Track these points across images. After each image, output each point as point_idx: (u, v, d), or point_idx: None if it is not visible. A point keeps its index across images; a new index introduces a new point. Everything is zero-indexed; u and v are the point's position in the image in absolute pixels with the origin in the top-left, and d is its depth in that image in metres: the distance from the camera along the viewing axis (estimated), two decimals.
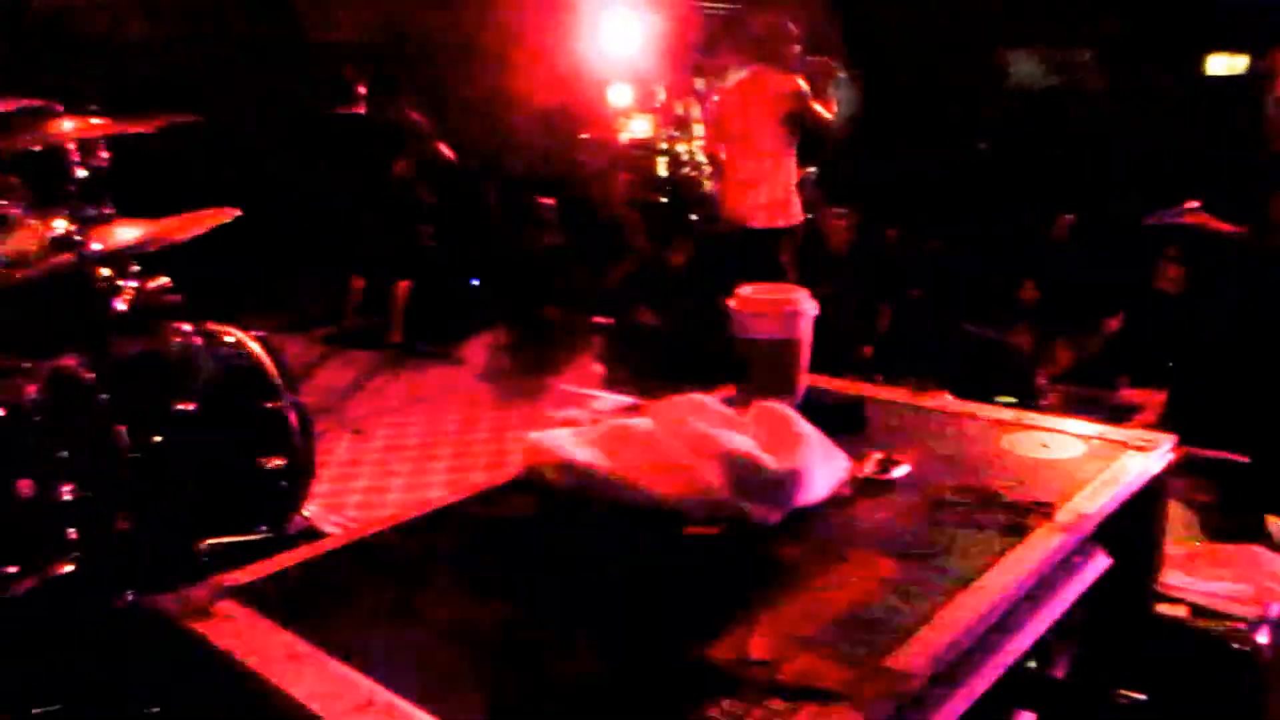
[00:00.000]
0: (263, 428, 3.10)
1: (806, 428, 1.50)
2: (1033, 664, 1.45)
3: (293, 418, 3.15)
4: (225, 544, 2.85)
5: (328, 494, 3.93)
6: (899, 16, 8.35)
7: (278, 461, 3.09)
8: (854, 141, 7.74)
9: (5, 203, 3.02)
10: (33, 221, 2.98)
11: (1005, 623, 1.23)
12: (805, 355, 1.82)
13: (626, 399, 5.12)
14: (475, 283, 7.06)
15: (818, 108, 5.16)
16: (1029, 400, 4.06)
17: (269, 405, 3.10)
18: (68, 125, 2.64)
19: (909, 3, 8.44)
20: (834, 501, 1.43)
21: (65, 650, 2.46)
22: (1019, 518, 1.37)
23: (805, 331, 1.80)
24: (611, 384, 5.68)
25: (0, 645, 2.42)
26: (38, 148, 2.61)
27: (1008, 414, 1.83)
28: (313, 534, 3.12)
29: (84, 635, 2.49)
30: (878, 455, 1.58)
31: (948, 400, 1.95)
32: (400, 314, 6.35)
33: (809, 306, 1.80)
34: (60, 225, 2.87)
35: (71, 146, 2.65)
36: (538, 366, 5.98)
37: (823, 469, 1.44)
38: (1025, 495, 1.43)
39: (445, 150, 6.39)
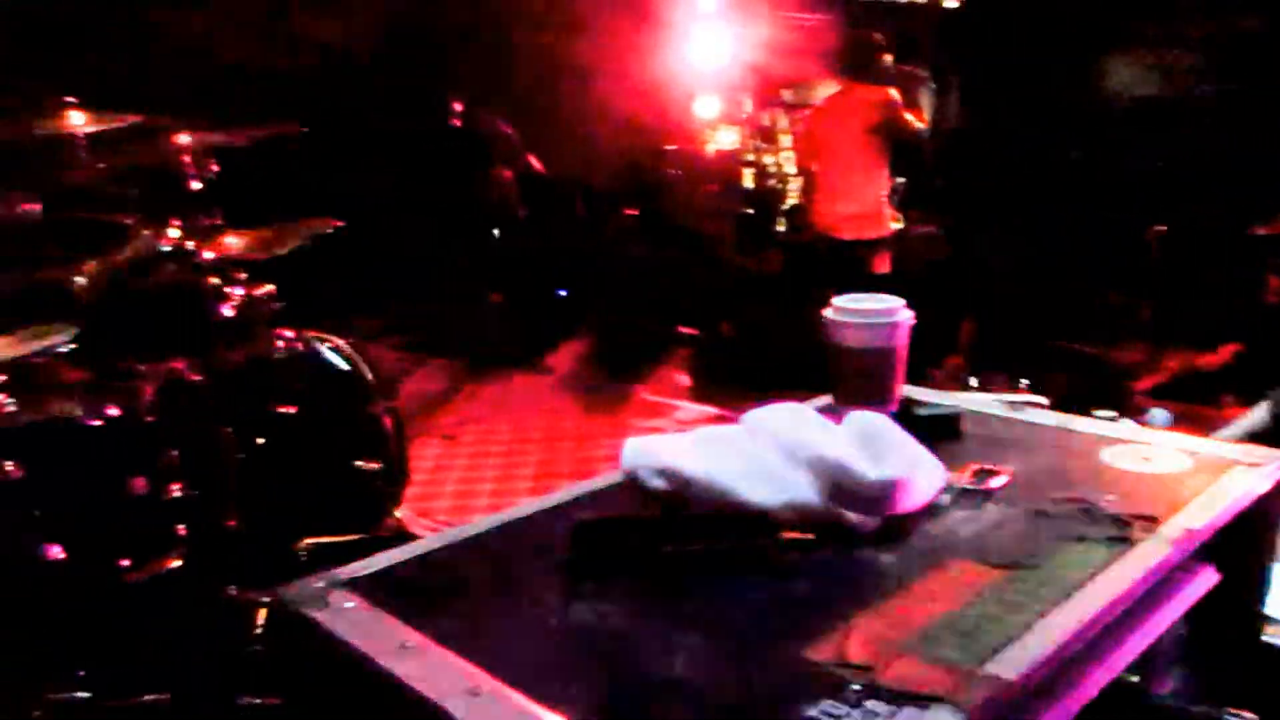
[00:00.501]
0: (360, 432, 3.19)
1: (903, 436, 1.49)
2: (1135, 679, 1.43)
3: (388, 423, 3.24)
4: (322, 544, 2.94)
5: (418, 497, 4.02)
6: (994, 22, 8.21)
7: (373, 465, 3.18)
8: (946, 151, 7.65)
9: (123, 214, 3.18)
10: (147, 232, 3.13)
11: (1108, 635, 1.21)
12: (902, 364, 1.81)
13: (710, 409, 5.13)
14: (562, 293, 7.14)
15: (909, 117, 5.13)
16: (1128, 415, 3.96)
17: (366, 410, 3.19)
18: (182, 139, 2.76)
19: (1004, 8, 8.29)
20: (931, 510, 1.43)
21: (173, 640, 2.56)
22: (1122, 530, 1.34)
23: (902, 341, 1.80)
24: (697, 394, 5.70)
25: (112, 635, 2.53)
26: (155, 162, 2.73)
27: (1108, 427, 1.80)
28: (404, 536, 3.20)
29: (191, 627, 2.59)
30: (975, 465, 1.56)
31: (1045, 411, 1.91)
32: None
33: (906, 315, 1.80)
34: (173, 235, 3.01)
35: (185, 159, 2.77)
36: (623, 376, 6.02)
37: (919, 477, 1.43)
38: (1128, 508, 1.40)
39: (534, 162, 6.50)
